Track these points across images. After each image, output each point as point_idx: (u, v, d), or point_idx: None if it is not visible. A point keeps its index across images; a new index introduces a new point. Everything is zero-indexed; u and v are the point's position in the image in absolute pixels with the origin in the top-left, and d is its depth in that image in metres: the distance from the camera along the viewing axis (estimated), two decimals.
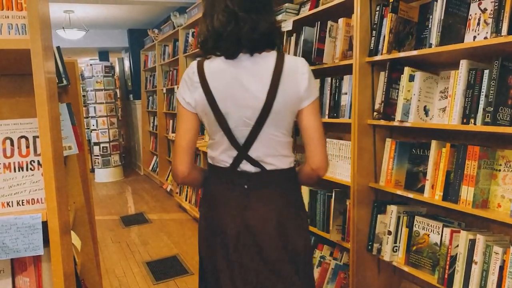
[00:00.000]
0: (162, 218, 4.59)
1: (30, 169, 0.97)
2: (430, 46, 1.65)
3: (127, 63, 7.77)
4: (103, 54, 8.32)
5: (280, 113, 1.18)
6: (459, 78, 1.56)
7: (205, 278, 1.33)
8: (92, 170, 7.22)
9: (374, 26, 1.92)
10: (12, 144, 0.96)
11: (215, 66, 1.18)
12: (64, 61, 1.95)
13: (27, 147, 0.97)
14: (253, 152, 1.21)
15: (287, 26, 2.53)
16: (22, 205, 0.95)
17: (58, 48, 1.71)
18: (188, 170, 1.25)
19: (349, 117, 2.12)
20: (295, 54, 2.51)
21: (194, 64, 1.21)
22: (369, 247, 2.04)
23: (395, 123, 1.83)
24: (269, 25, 1.17)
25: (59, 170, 0.97)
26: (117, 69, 8.36)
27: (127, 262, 3.38)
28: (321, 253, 2.47)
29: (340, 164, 2.26)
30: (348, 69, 2.09)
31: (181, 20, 4.74)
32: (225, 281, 1.23)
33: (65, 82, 1.74)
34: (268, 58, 1.18)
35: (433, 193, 1.69)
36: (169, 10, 5.56)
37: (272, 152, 1.22)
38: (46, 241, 0.91)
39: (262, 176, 1.23)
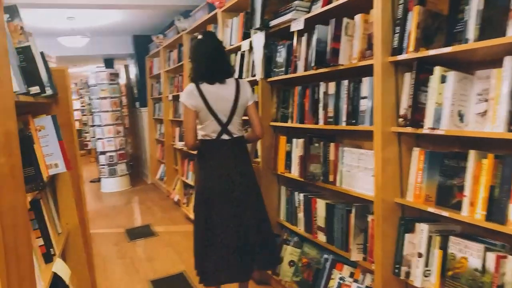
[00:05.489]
0: (168, 231, 4.40)
1: None
2: (466, 42, 1.42)
3: (132, 70, 7.63)
4: (109, 61, 8.20)
5: (240, 107, 2.26)
6: (503, 77, 1.33)
7: (203, 217, 2.26)
8: (99, 180, 7.08)
9: (397, 21, 1.71)
10: None
11: (205, 86, 2.22)
12: (51, 68, 1.77)
13: None
14: (229, 129, 2.25)
15: (297, 25, 2.32)
16: None
17: (41, 53, 1.52)
18: (194, 141, 2.25)
19: (370, 124, 1.90)
20: (306, 56, 2.30)
21: (193, 85, 2.24)
22: (396, 270, 1.81)
23: (425, 131, 1.60)
24: (227, 67, 2.35)
25: None
26: (123, 76, 8.22)
27: (131, 280, 3.18)
28: (340, 273, 2.25)
29: (360, 176, 2.04)
30: (367, 71, 1.87)
31: (185, 24, 4.56)
32: (219, 203, 2.22)
33: (50, 91, 1.55)
34: (231, 81, 2.28)
35: (472, 211, 1.46)
36: (173, 14, 5.39)
37: (237, 128, 2.29)
38: None
39: (232, 141, 2.26)
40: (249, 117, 2.34)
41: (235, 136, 2.26)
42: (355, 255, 2.06)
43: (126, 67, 8.09)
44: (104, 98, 6.63)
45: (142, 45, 6.98)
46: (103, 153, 6.73)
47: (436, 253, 1.65)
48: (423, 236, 1.70)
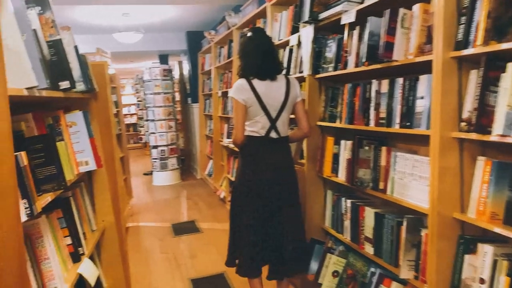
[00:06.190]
0: (213, 228, 4.36)
1: None
2: None
3: (186, 66, 7.72)
4: (163, 58, 8.36)
5: (289, 104, 2.24)
6: None
7: (242, 213, 2.26)
8: (151, 173, 7.26)
9: (463, 10, 1.48)
10: None
11: (256, 82, 2.19)
12: (90, 63, 1.74)
13: None
14: (277, 125, 2.22)
15: (348, 17, 2.13)
16: None
17: (76, 48, 1.48)
18: (243, 136, 2.22)
19: (427, 128, 1.68)
20: (358, 50, 2.11)
21: (243, 80, 2.20)
22: None
23: (493, 138, 1.37)
24: (277, 64, 2.28)
25: None
26: (176, 72, 8.36)
27: (172, 277, 3.16)
28: None
29: (413, 185, 1.82)
30: (425, 67, 1.65)
31: (236, 20, 4.48)
32: (258, 198, 2.21)
33: (82, 87, 1.50)
34: (281, 78, 2.25)
35: None
36: (225, 9, 5.35)
37: (285, 127, 2.27)
38: None
39: (279, 140, 2.24)
40: (296, 114, 2.32)
41: (282, 135, 2.25)
42: (405, 273, 1.86)
43: (180, 63, 8.21)
44: (158, 93, 6.76)
45: (195, 41, 7.03)
46: (155, 147, 6.87)
47: (502, 281, 1.41)
48: (486, 259, 1.47)
